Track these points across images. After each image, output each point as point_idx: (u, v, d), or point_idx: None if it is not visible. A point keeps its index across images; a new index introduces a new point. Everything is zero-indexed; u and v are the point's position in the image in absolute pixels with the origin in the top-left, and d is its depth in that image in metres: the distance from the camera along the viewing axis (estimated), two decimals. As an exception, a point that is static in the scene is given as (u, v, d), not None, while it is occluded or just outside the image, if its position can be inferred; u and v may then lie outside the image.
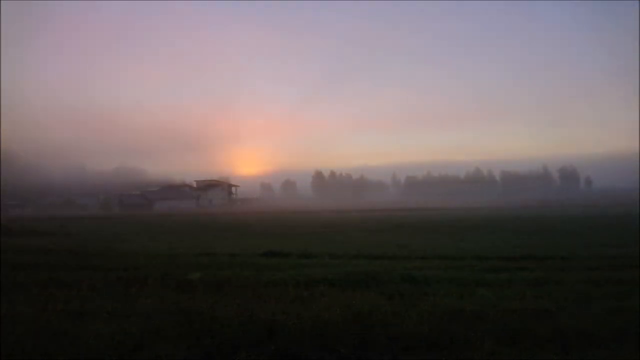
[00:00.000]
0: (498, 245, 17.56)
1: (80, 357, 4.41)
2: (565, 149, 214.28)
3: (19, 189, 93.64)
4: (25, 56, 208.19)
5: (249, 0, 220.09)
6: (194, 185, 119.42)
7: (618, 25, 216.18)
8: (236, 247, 15.84)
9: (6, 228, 30.39)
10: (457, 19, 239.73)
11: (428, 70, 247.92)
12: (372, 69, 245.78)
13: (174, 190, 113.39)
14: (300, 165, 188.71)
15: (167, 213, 73.72)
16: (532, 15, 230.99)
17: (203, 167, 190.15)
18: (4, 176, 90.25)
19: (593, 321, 5.68)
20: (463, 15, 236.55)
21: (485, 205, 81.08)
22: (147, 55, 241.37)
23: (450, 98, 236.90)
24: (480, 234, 23.62)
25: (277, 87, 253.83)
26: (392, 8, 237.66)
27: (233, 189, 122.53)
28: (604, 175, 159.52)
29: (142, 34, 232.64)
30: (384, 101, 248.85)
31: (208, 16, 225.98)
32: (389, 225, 32.88)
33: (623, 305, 6.54)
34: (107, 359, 4.36)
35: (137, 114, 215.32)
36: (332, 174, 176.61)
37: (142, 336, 4.87)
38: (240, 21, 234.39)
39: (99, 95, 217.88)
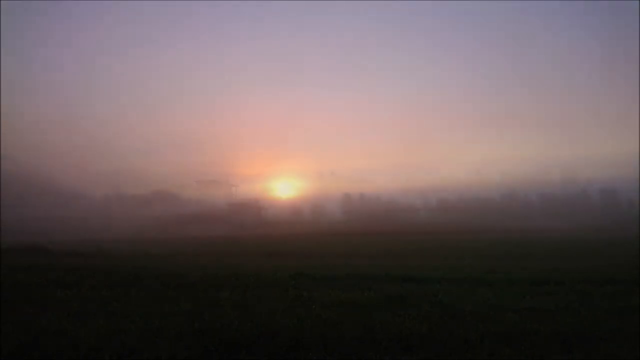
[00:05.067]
0: (533, 268, 17.06)
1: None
2: (605, 169, 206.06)
3: (59, 216, 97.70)
4: (44, 74, 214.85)
5: (250, 1, 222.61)
6: (226, 208, 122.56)
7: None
8: (265, 268, 16.06)
9: (46, 249, 31.96)
10: (482, 30, 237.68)
11: (455, 89, 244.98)
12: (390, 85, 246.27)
13: (206, 213, 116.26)
14: (329, 188, 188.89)
15: (200, 235, 75.35)
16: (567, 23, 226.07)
17: (234, 190, 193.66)
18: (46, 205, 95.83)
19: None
20: (488, 25, 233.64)
21: (521, 228, 78.48)
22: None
23: (484, 110, 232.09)
24: (518, 257, 22.96)
25: (306, 110, 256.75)
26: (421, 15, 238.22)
27: (263, 211, 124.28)
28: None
29: (144, 36, 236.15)
30: (414, 121, 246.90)
31: (211, 16, 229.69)
32: (420, 249, 32.43)
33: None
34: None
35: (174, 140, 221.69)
36: (362, 196, 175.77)
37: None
38: (244, 22, 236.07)
39: (132, 126, 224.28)
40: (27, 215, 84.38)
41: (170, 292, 9.39)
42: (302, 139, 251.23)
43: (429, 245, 39.25)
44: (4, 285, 9.56)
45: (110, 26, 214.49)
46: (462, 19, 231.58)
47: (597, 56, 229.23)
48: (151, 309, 7.58)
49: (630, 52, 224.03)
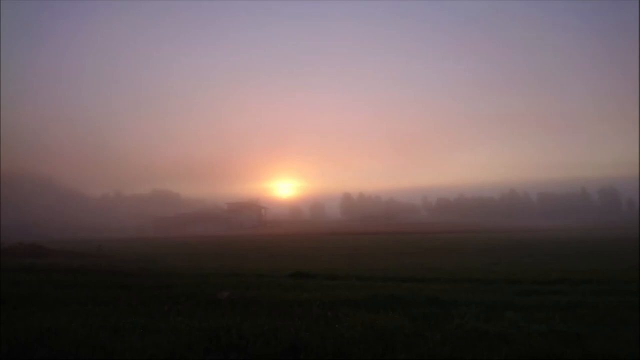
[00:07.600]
0: (533, 268, 17.08)
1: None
2: (605, 170, 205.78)
3: (58, 216, 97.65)
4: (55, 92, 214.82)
5: (256, 1, 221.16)
6: (225, 208, 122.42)
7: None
8: (264, 268, 16.07)
9: (46, 250, 31.97)
10: (483, 31, 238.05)
11: (454, 89, 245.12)
12: (395, 87, 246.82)
13: (206, 213, 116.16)
14: (329, 188, 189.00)
15: (199, 235, 75.31)
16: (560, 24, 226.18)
17: (233, 190, 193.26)
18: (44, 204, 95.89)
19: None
20: (489, 27, 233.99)
21: (521, 227, 78.54)
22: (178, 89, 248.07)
23: (485, 116, 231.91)
24: (518, 257, 22.99)
25: (305, 112, 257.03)
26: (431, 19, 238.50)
27: (263, 211, 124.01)
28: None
29: (145, 36, 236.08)
30: (413, 121, 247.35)
31: (215, 18, 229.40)
32: (420, 249, 32.44)
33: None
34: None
35: (170, 143, 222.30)
36: (361, 196, 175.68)
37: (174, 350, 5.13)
38: (248, 24, 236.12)
39: (132, 126, 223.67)
40: (27, 215, 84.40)
41: (170, 292, 9.38)
42: (302, 139, 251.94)
43: (428, 245, 39.27)
44: (4, 285, 9.56)
45: (111, 26, 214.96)
46: (465, 21, 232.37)
47: (597, 56, 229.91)
48: (151, 308, 7.58)
49: (630, 52, 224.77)
